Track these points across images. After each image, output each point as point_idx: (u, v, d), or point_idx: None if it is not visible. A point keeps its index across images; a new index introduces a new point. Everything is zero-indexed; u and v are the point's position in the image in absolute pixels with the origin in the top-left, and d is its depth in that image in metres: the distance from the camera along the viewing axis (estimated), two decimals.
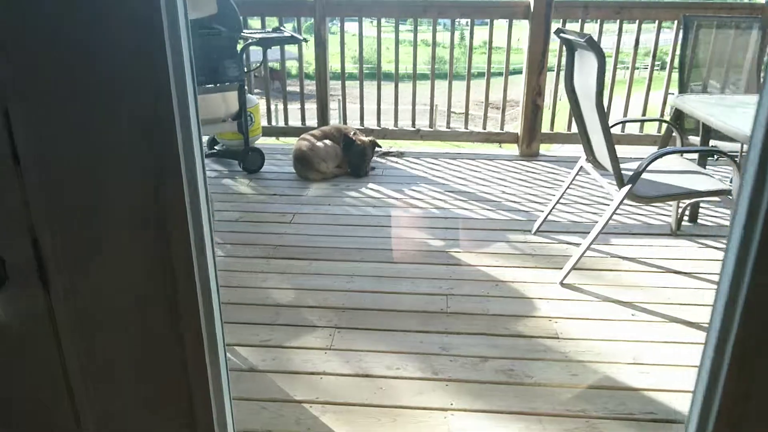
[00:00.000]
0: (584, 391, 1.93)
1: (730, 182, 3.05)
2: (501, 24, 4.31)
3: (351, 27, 5.20)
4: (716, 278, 2.63)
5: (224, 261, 2.78)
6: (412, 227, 3.16)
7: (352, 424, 1.78)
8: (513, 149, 4.45)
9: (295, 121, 4.63)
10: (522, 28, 4.22)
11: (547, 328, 2.27)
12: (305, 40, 3.98)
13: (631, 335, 2.23)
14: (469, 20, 4.29)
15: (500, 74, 4.50)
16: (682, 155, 2.87)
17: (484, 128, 4.48)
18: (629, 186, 2.43)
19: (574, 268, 2.59)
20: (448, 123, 4.49)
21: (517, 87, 4.39)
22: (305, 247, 2.92)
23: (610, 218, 2.49)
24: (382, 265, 2.75)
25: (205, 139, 4.44)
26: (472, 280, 2.62)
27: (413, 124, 4.52)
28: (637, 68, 4.34)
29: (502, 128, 4.47)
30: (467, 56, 4.38)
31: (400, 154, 4.35)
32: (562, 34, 2.65)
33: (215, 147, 4.22)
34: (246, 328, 2.25)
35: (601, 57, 2.30)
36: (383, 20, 4.32)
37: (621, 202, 2.45)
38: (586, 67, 2.51)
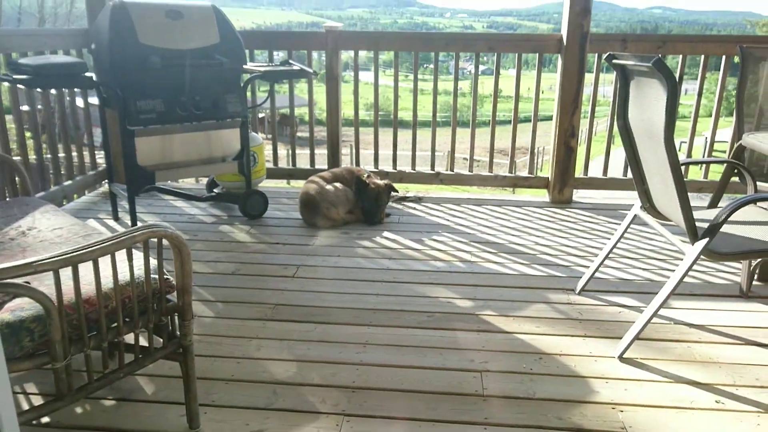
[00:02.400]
0: None
1: None
2: (527, 74, 3.95)
3: (364, 76, 4.91)
4: None
5: (213, 324, 2.34)
6: (435, 284, 2.71)
7: None
8: (543, 195, 4.02)
9: (303, 164, 4.25)
10: (551, 78, 3.86)
11: (612, 418, 1.79)
12: (316, 74, 3.63)
13: (720, 429, 1.75)
14: (495, 54, 3.92)
15: (528, 120, 4.12)
16: (756, 204, 2.44)
17: (511, 172, 4.07)
18: (706, 240, 1.99)
19: (638, 338, 2.12)
20: (471, 167, 4.09)
21: (546, 134, 4.00)
22: (310, 307, 2.48)
23: (682, 279, 2.04)
24: (401, 331, 2.30)
25: (203, 180, 4.06)
26: (511, 352, 2.16)
27: (432, 167, 4.13)
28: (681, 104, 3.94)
29: (531, 172, 4.06)
30: (492, 98, 4.01)
31: (419, 200, 3.94)
32: (615, 60, 2.26)
33: (214, 189, 3.83)
34: (234, 414, 1.79)
35: (672, 83, 1.89)
36: (404, 68, 3.97)
37: (696, 260, 2.00)
38: (647, 98, 2.10)
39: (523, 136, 4.23)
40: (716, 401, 1.88)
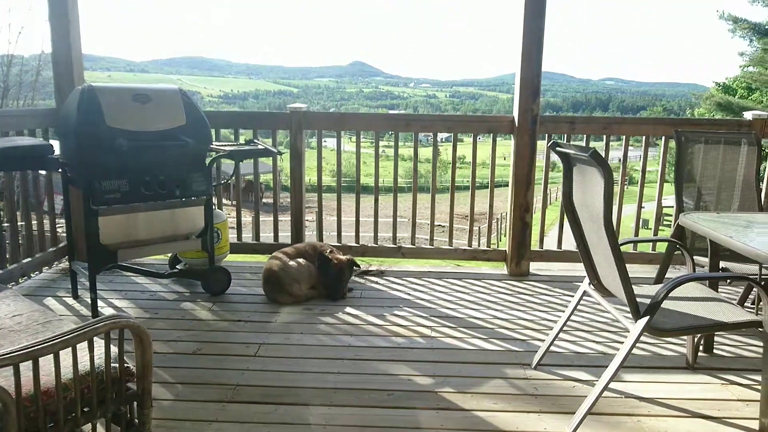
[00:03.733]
0: None
1: (756, 312, 2.76)
2: (487, 141, 4.17)
3: (329, 142, 5.08)
4: (751, 423, 2.25)
5: (173, 407, 2.32)
6: (396, 360, 2.76)
7: None
8: (501, 268, 4.15)
9: (267, 236, 4.32)
10: (507, 146, 4.09)
11: None
12: (280, 154, 3.75)
13: None
14: (451, 134, 4.13)
15: (485, 187, 4.29)
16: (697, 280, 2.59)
17: (470, 245, 4.20)
18: (647, 318, 2.11)
19: (587, 413, 2.19)
20: (431, 240, 4.22)
21: (504, 201, 4.17)
22: (271, 387, 2.49)
23: (627, 355, 2.14)
24: (362, 410, 2.33)
25: (166, 257, 4.07)
26: (469, 430, 2.20)
27: (394, 240, 4.24)
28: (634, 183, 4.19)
29: (488, 245, 4.21)
30: (451, 170, 4.20)
31: (381, 273, 4.02)
32: (558, 148, 2.43)
33: (177, 266, 3.84)
34: None
35: (608, 173, 2.06)
36: (362, 134, 4.15)
37: (639, 337, 2.12)
38: (589, 184, 2.26)
39: (485, 203, 4.37)
40: None
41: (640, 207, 4.16)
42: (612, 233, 2.13)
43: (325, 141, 4.26)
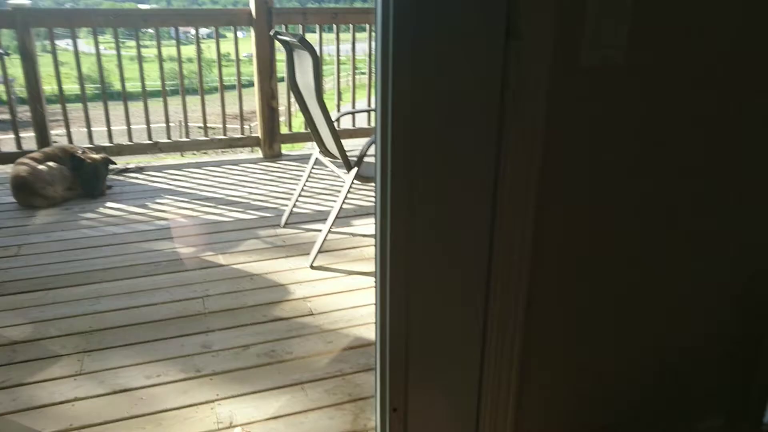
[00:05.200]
0: (339, 353, 2.13)
1: None
2: (231, 35, 4.37)
3: (64, 44, 4.80)
4: None
5: None
6: (162, 239, 3.07)
7: None
8: (257, 152, 4.56)
9: (8, 148, 4.12)
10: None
11: (302, 308, 2.43)
12: (7, 54, 3.57)
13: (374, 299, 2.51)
14: (193, 29, 4.26)
15: (235, 86, 4.55)
16: None
17: (225, 135, 4.51)
18: (356, 169, 2.71)
19: (320, 251, 2.80)
20: (187, 134, 4.42)
21: (254, 96, 4.49)
22: (38, 278, 2.65)
23: (344, 200, 2.75)
24: (132, 281, 2.64)
25: None
26: (228, 279, 2.67)
27: (149, 136, 4.35)
28: (363, 73, 4.78)
29: (242, 132, 4.56)
30: (198, 68, 4.37)
31: (140, 170, 4.17)
32: (279, 36, 2.83)
33: None
34: None
35: (314, 54, 2.53)
36: (108, 36, 4.07)
37: (351, 184, 2.73)
38: (304, 65, 2.72)
39: (247, 102, 4.64)
40: (374, 282, 2.65)
41: (369, 90, 4.81)
42: (323, 105, 2.65)
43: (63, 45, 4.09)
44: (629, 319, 1.07)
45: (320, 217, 3.36)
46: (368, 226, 3.24)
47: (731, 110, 1.04)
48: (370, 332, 2.25)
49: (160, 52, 4.16)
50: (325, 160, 3.06)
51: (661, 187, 1.03)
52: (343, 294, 2.54)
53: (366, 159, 2.74)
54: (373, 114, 4.66)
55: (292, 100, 4.18)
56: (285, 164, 4.33)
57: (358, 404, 1.88)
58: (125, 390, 1.92)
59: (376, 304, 0.98)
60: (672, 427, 1.20)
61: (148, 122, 4.31)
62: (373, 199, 3.62)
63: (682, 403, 1.21)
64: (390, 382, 0.94)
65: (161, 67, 4.18)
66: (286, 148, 4.57)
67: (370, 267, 2.77)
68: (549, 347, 1.03)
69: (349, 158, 2.74)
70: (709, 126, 1.03)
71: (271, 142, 4.42)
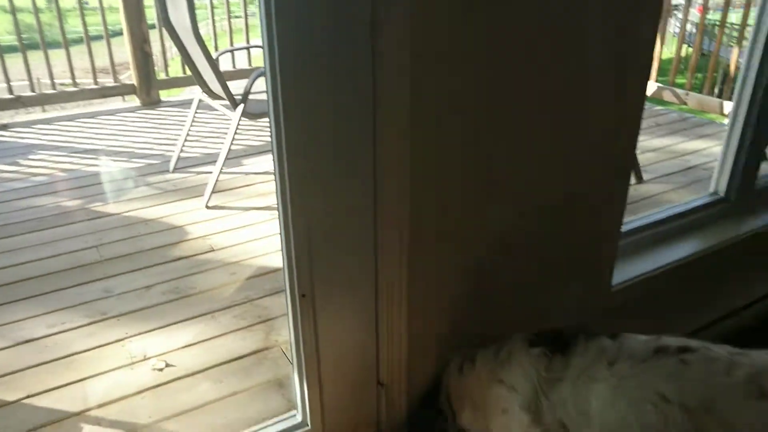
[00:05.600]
0: (244, 282, 2.22)
1: None
2: None
3: None
4: None
5: None
6: (41, 195, 2.94)
7: (24, 388, 1.72)
8: (133, 101, 4.37)
9: None
10: None
11: (202, 245, 2.47)
12: None
13: (275, 229, 2.59)
14: None
15: (102, 37, 4.26)
16: None
17: (96, 83, 4.27)
18: (242, 105, 2.72)
19: (214, 191, 2.82)
20: (54, 86, 4.14)
21: (125, 44, 4.25)
22: None
23: (233, 139, 2.77)
24: (17, 238, 2.53)
25: None
26: (121, 227, 2.63)
27: (10, 92, 4.03)
28: (239, 17, 4.65)
29: (115, 80, 4.32)
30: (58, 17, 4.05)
31: (4, 127, 3.87)
32: None
33: None
34: None
35: None
36: None
37: (239, 121, 2.74)
38: (177, 2, 2.65)
39: (118, 54, 4.36)
40: (271, 215, 2.73)
41: (247, 32, 4.71)
42: (202, 43, 2.61)
43: None
44: (494, 199, 1.24)
45: (210, 159, 3.34)
46: (260, 164, 3.27)
47: None
48: (271, 261, 2.34)
49: (11, 1, 3.81)
50: (210, 100, 3.03)
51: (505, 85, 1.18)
52: (241, 229, 2.60)
53: (251, 96, 2.75)
54: (253, 53, 4.60)
55: (168, 45, 4.04)
56: (165, 111, 4.20)
57: (268, 324, 1.99)
58: (29, 341, 1.90)
59: (278, 210, 1.07)
60: (540, 294, 1.42)
61: (7, 77, 3.97)
62: (262, 137, 3.63)
63: (547, 274, 1.43)
64: (297, 272, 1.06)
65: (15, 19, 3.85)
66: (164, 95, 4.41)
67: (266, 202, 2.84)
68: (426, 235, 1.17)
69: (234, 96, 2.74)
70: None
71: (148, 89, 4.25)
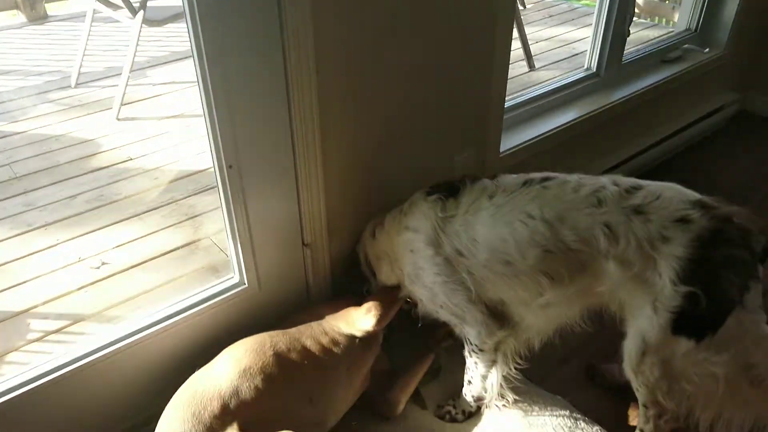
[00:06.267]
0: (167, 185, 2.30)
1: None
2: None
3: None
4: None
5: None
6: None
7: None
8: (17, 17, 4.09)
9: None
10: None
11: (119, 156, 2.51)
12: None
13: (190, 137, 2.65)
14: None
15: None
16: None
17: None
18: (141, 12, 2.68)
19: (123, 104, 2.80)
20: None
21: None
22: None
23: (136, 49, 2.74)
24: None
25: None
26: (31, 144, 2.60)
27: None
28: None
29: None
30: None
31: None
32: None
33: None
34: None
35: None
36: None
37: (140, 29, 2.70)
38: None
39: None
40: (187, 126, 2.77)
41: None
42: None
43: None
44: (392, 80, 1.41)
45: (112, 73, 3.26)
46: (166, 74, 3.25)
47: None
48: (190, 165, 2.43)
49: None
50: (107, 9, 2.93)
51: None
52: (156, 138, 2.64)
53: (151, 3, 2.71)
54: None
55: None
56: (54, 25, 3.98)
57: (196, 219, 2.11)
58: None
59: (199, 86, 1.16)
60: (438, 160, 1.63)
61: None
62: (165, 47, 3.57)
63: (444, 142, 1.63)
64: (222, 144, 1.18)
65: None
66: (52, 9, 4.15)
67: (177, 111, 2.87)
68: (334, 106, 1.32)
69: (132, 3, 2.69)
70: None
71: (33, 3, 3.98)
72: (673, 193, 1.12)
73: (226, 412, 1.12)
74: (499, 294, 1.26)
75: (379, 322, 1.34)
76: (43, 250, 1.97)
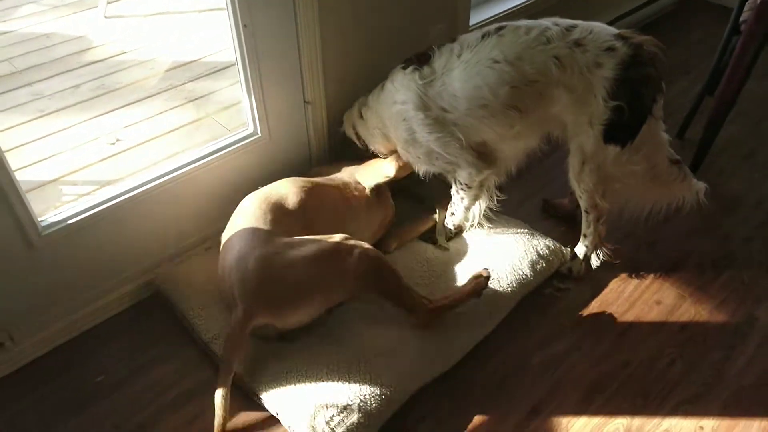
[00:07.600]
0: (164, 74, 2.47)
1: None
2: None
3: None
4: None
5: None
6: None
7: None
8: None
9: None
10: None
11: (112, 50, 2.65)
12: None
13: (180, 31, 2.79)
14: None
15: None
16: None
17: None
18: None
19: (109, 2, 2.89)
20: None
21: None
22: None
23: None
24: None
25: None
26: (23, 42, 2.71)
27: None
28: None
29: None
30: None
31: None
32: None
33: None
34: None
35: None
36: None
37: None
38: None
39: None
40: (171, 18, 2.89)
41: None
42: None
43: None
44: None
45: None
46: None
47: None
48: (184, 56, 2.58)
49: None
50: None
51: None
52: (146, 33, 2.77)
53: None
54: None
55: None
56: None
57: (196, 102, 2.31)
58: None
59: None
60: (416, 36, 1.82)
61: None
62: None
63: (418, 20, 1.83)
64: (239, 5, 1.38)
65: None
66: None
67: (165, 8, 2.97)
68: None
69: None
70: None
71: None
72: (600, 28, 1.40)
73: (287, 213, 1.44)
74: (482, 135, 1.52)
75: (400, 169, 1.62)
76: (59, 131, 2.16)
